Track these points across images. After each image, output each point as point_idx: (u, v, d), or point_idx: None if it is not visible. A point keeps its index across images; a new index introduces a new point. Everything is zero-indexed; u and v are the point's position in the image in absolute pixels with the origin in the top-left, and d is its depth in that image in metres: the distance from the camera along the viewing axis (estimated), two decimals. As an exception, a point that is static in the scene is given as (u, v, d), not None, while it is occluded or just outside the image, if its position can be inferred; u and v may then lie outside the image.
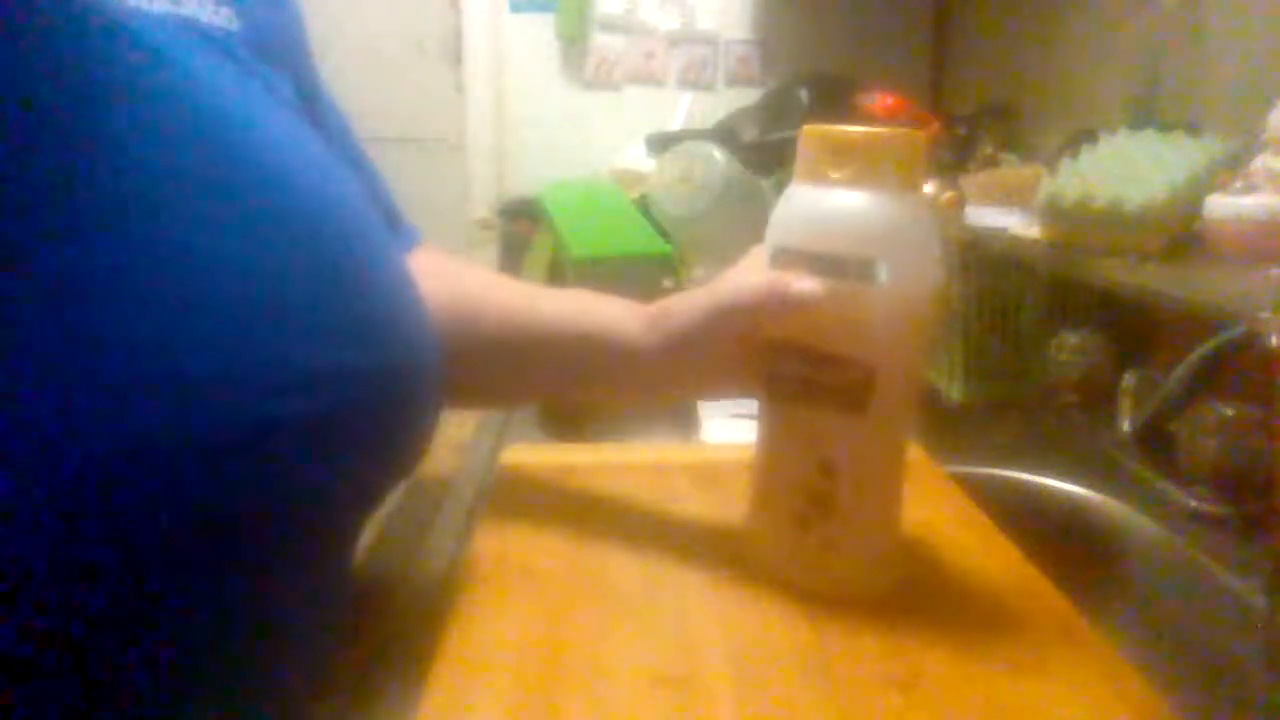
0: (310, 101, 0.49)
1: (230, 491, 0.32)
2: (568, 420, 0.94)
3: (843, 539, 0.46)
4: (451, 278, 0.53)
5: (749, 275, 0.47)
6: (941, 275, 0.44)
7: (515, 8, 1.74)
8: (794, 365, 0.45)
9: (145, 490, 0.30)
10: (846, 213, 0.43)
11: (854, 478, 0.45)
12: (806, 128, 0.45)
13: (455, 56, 1.79)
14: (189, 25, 0.38)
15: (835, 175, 0.43)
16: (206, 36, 0.39)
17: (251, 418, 0.32)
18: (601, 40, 1.72)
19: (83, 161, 0.31)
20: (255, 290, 0.33)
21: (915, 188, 0.44)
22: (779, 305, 0.44)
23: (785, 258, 0.45)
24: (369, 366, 0.37)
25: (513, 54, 1.76)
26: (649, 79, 1.74)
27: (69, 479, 0.28)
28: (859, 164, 0.43)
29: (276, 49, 0.45)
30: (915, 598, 0.46)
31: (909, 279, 0.43)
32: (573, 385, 0.56)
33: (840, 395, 0.44)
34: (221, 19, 0.40)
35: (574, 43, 1.73)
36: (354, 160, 0.55)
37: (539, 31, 1.73)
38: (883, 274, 0.42)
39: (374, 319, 0.38)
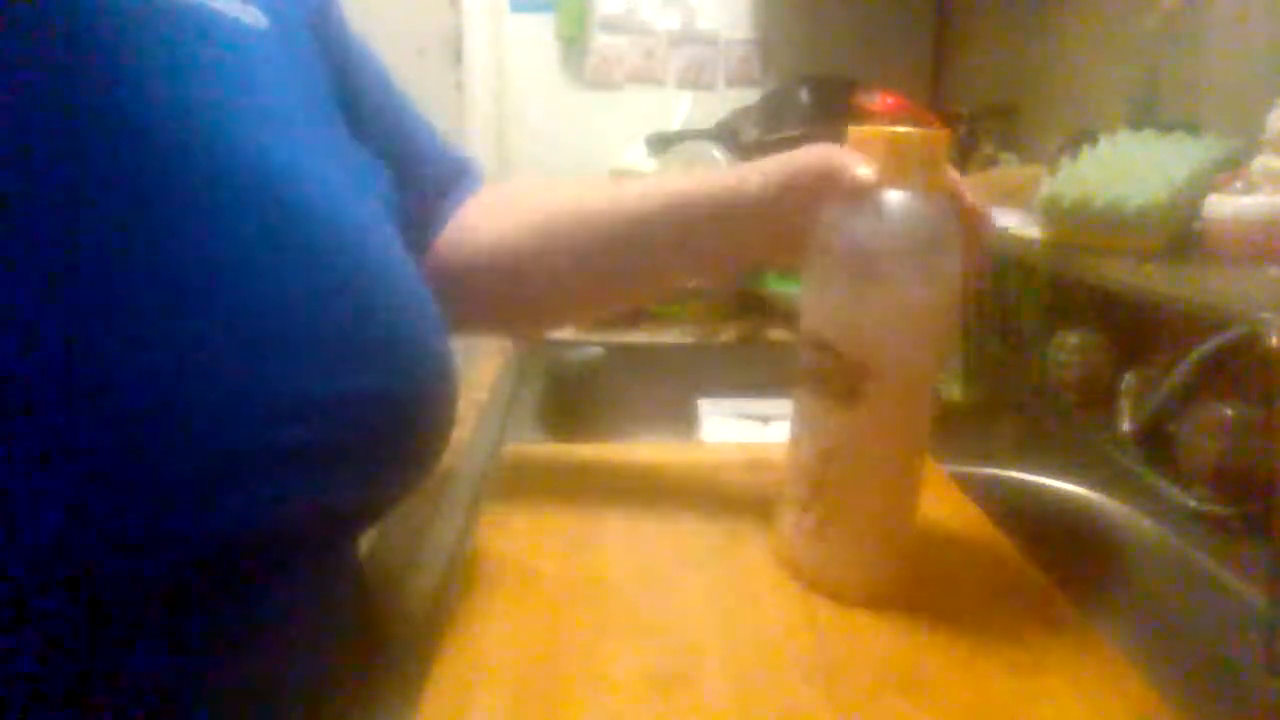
0: (347, 78, 0.48)
1: (239, 515, 0.32)
2: (568, 420, 0.94)
3: (832, 526, 0.46)
4: (560, 194, 0.56)
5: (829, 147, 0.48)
6: (958, 279, 0.44)
7: (515, 8, 1.74)
8: (810, 354, 0.46)
9: (153, 515, 0.30)
10: (857, 206, 0.44)
11: (843, 468, 0.46)
12: (852, 126, 0.46)
13: (455, 56, 1.79)
14: (222, 21, 0.38)
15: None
16: (239, 32, 0.39)
17: (262, 444, 0.32)
18: (601, 40, 1.72)
19: (89, 184, 0.30)
20: (268, 317, 0.33)
21: (935, 187, 0.44)
22: (838, 176, 0.45)
23: (812, 245, 0.46)
24: (381, 391, 0.37)
25: (513, 54, 1.75)
26: (649, 79, 1.74)
27: (78, 504, 0.28)
28: (880, 161, 0.44)
29: (306, 35, 0.45)
30: (915, 598, 0.46)
31: (916, 278, 0.43)
32: (711, 250, 0.55)
33: (833, 385, 0.45)
34: (250, 17, 0.40)
35: (574, 43, 1.73)
36: (395, 125, 0.54)
37: (539, 31, 1.73)
38: (885, 270, 0.42)
39: (386, 343, 0.38)
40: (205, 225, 0.33)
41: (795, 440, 0.49)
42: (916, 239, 0.43)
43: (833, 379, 0.45)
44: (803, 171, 0.47)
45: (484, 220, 0.58)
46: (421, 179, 0.56)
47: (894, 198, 0.43)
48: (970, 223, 0.45)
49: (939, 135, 0.45)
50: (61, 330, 0.29)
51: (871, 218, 0.43)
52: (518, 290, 0.58)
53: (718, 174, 0.54)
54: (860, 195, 0.44)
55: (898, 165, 0.43)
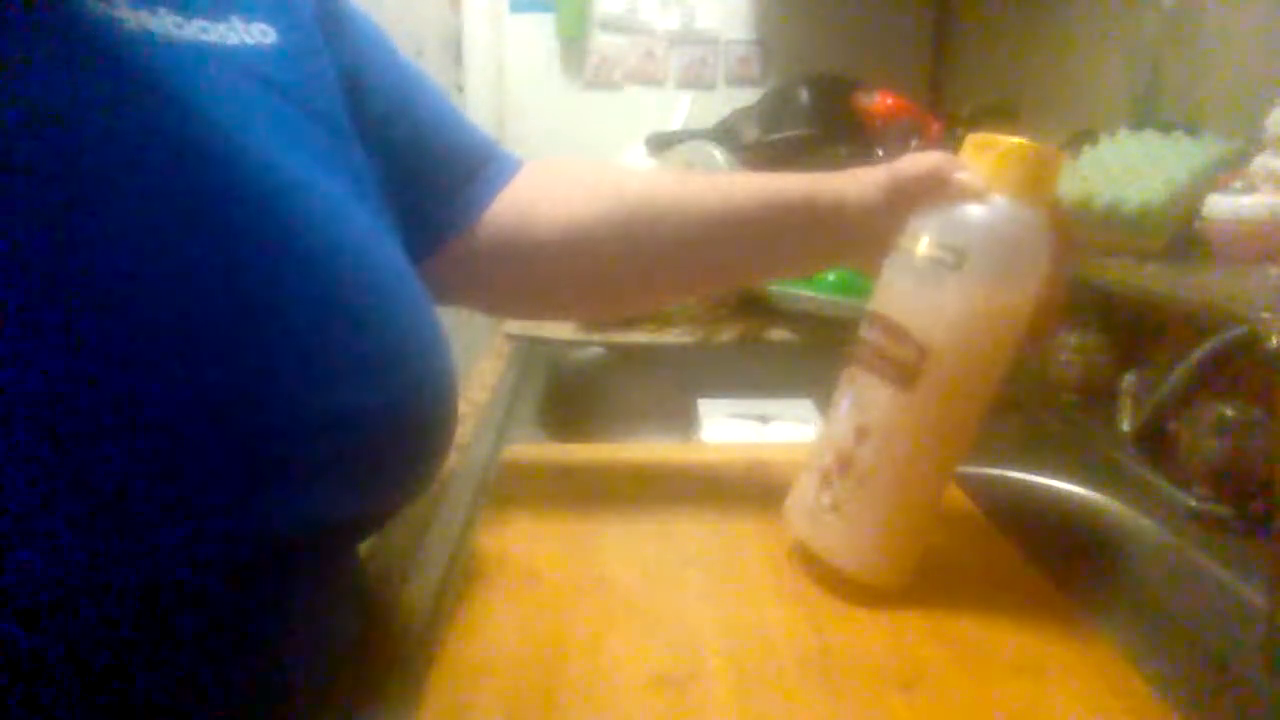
0: (356, 70, 0.48)
1: (243, 527, 0.32)
2: (568, 420, 0.94)
3: (848, 506, 0.46)
4: (643, 177, 0.56)
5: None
6: (1037, 293, 0.44)
7: (515, 8, 1.74)
8: (874, 331, 0.47)
9: (163, 526, 0.30)
10: (956, 203, 0.45)
11: (876, 448, 0.46)
12: (971, 133, 0.47)
13: (455, 56, 1.79)
14: (220, 52, 0.38)
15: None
16: (239, 62, 0.39)
17: (267, 458, 0.32)
18: (601, 40, 1.72)
19: (92, 204, 0.31)
20: (275, 333, 0.33)
21: (1039, 200, 0.45)
22: (942, 180, 0.45)
23: (904, 230, 0.47)
24: (384, 405, 0.37)
25: (513, 54, 1.75)
26: (649, 79, 1.74)
27: (94, 514, 0.28)
28: (988, 167, 0.45)
29: (315, 38, 0.44)
30: (915, 598, 0.46)
31: (997, 280, 0.44)
32: (799, 251, 0.57)
33: (891, 366, 0.45)
34: (255, 36, 0.40)
35: (574, 43, 1.73)
36: (409, 112, 0.53)
37: (539, 31, 1.73)
38: (968, 265, 0.43)
39: (391, 357, 0.38)
40: (218, 244, 0.33)
41: (834, 413, 0.49)
42: (1006, 243, 0.44)
43: (892, 359, 0.45)
44: (908, 178, 0.48)
45: (545, 198, 0.57)
46: (442, 163, 0.55)
47: (994, 200, 0.44)
48: (1063, 243, 0.46)
49: (1053, 152, 0.46)
50: (70, 346, 0.29)
51: (967, 214, 0.44)
52: (589, 269, 0.57)
53: (810, 178, 0.54)
54: (963, 199, 0.45)
55: (1005, 173, 0.45)
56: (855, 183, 0.51)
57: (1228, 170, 0.71)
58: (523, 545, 0.51)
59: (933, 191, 0.46)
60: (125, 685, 0.32)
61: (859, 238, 0.51)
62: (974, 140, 0.47)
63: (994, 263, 0.44)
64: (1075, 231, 0.49)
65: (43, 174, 0.30)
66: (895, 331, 0.45)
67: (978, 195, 0.44)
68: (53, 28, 0.32)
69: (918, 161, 0.47)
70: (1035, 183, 0.45)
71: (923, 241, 0.45)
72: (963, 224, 0.44)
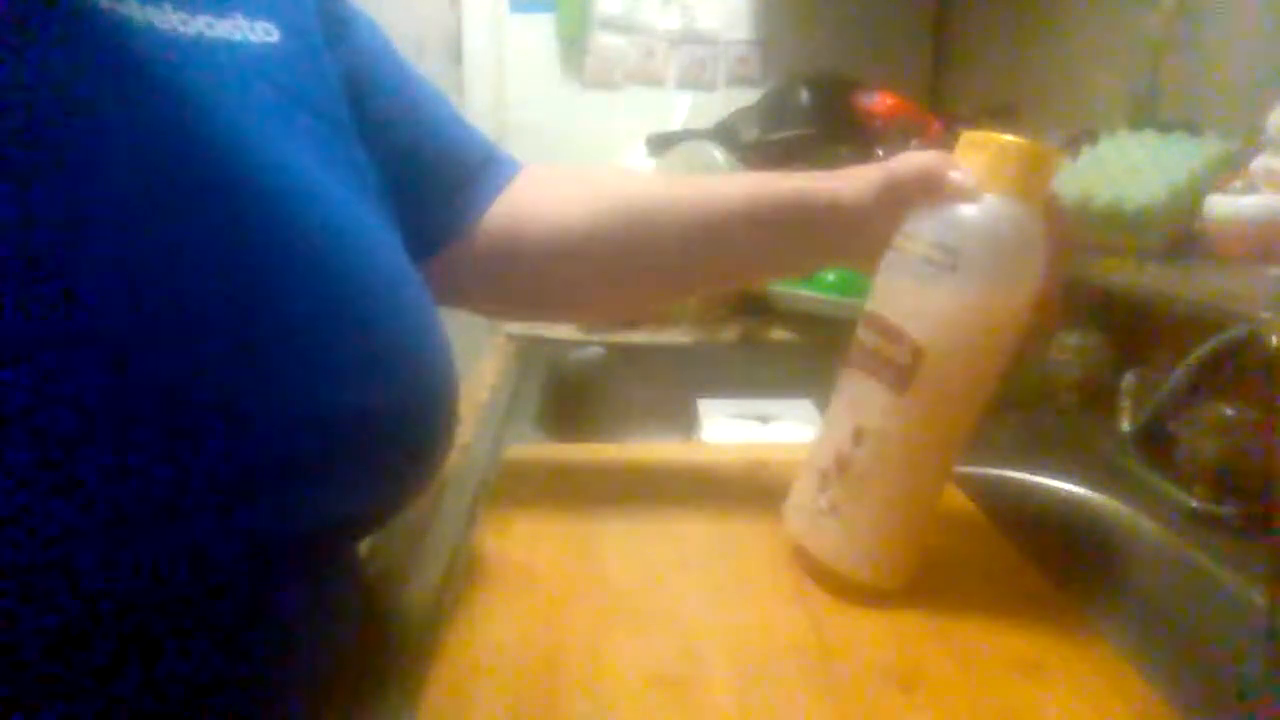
0: (358, 72, 0.48)
1: (249, 526, 0.32)
2: (568, 420, 0.94)
3: (846, 508, 0.47)
4: (636, 180, 0.57)
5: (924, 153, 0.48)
6: (1035, 292, 0.44)
7: (515, 8, 1.74)
8: (870, 334, 0.47)
9: (167, 526, 0.30)
10: (950, 203, 0.45)
11: (873, 450, 0.46)
12: (965, 131, 0.47)
13: (455, 56, 1.79)
14: (224, 48, 0.38)
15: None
16: (243, 58, 0.39)
17: (272, 456, 0.32)
18: (601, 40, 1.72)
19: (97, 200, 0.31)
20: (281, 332, 0.34)
21: (1033, 198, 0.45)
22: (935, 181, 0.45)
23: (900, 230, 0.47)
24: (386, 405, 0.37)
25: (513, 54, 1.75)
26: (649, 79, 1.74)
27: (102, 513, 0.28)
28: (982, 166, 0.45)
29: (316, 39, 0.45)
30: (916, 598, 0.46)
31: (993, 279, 0.44)
32: (795, 250, 0.56)
33: (887, 368, 0.45)
34: (259, 34, 0.40)
35: (574, 43, 1.73)
36: (410, 116, 0.53)
37: (539, 31, 1.73)
38: (962, 265, 0.43)
39: (393, 356, 0.38)
40: (221, 241, 0.33)
41: (830, 416, 0.49)
42: (1001, 242, 0.44)
43: (888, 360, 0.45)
44: (902, 178, 0.48)
45: (544, 200, 0.57)
46: (442, 166, 0.55)
47: (988, 199, 0.44)
48: (1059, 241, 0.45)
49: (1048, 150, 0.46)
50: (69, 343, 0.29)
51: (961, 214, 0.44)
52: (587, 272, 0.57)
53: (805, 177, 0.54)
54: (957, 199, 0.45)
55: (999, 171, 0.44)
56: (850, 182, 0.51)
57: (1228, 170, 0.71)
58: (522, 545, 0.51)
59: (927, 191, 0.46)
60: (123, 684, 0.32)
61: (855, 237, 0.51)
62: (968, 139, 0.46)
63: (988, 262, 0.44)
64: (1071, 229, 0.49)
65: (46, 169, 0.30)
66: (891, 332, 0.45)
67: (971, 195, 0.44)
68: (58, 22, 0.32)
69: (911, 161, 0.47)
70: (1029, 180, 0.45)
71: (917, 242, 0.45)
72: (956, 224, 0.44)
